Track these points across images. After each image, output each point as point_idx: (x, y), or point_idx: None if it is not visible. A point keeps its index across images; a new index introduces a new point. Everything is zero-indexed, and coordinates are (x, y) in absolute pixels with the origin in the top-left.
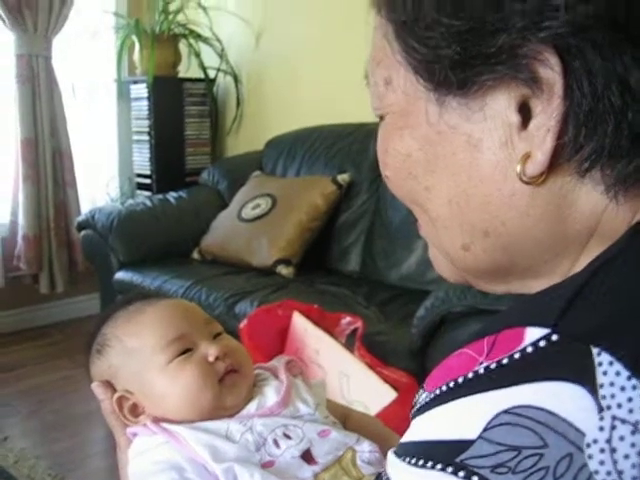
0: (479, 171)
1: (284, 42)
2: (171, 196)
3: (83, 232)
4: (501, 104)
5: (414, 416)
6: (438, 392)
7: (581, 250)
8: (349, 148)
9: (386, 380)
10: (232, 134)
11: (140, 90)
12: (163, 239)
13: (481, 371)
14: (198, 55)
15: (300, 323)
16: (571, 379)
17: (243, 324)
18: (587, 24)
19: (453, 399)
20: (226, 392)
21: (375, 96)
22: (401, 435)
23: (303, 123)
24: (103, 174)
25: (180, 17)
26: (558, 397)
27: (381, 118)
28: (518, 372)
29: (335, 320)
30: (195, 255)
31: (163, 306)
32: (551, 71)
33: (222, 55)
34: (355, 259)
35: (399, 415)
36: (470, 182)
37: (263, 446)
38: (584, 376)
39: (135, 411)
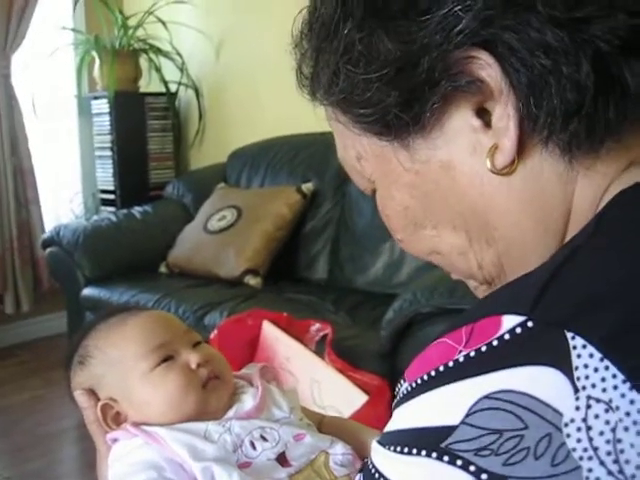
0: (460, 186)
1: (244, 54)
2: (136, 211)
3: (48, 249)
4: (458, 118)
5: (396, 406)
6: (419, 381)
7: (561, 239)
8: (311, 158)
9: (357, 384)
10: (195, 147)
11: (101, 106)
12: (130, 254)
13: (461, 359)
14: (159, 69)
15: (270, 332)
16: (548, 363)
17: (213, 335)
18: (487, 13)
19: (435, 387)
20: (208, 397)
21: (358, 177)
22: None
23: (265, 134)
24: (66, 191)
25: (140, 32)
26: (536, 381)
27: (373, 193)
28: (497, 358)
29: (304, 327)
30: (162, 269)
31: (144, 316)
32: (487, 65)
33: (183, 69)
34: (322, 267)
35: (371, 417)
36: (462, 202)
37: (240, 447)
38: (560, 360)
39: (117, 419)
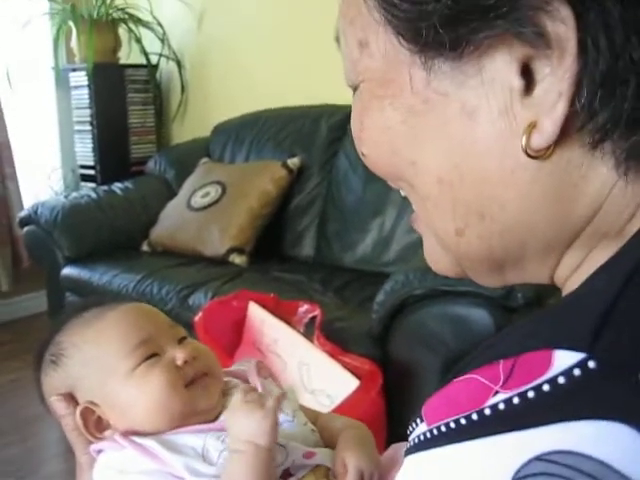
0: (474, 144)
1: (227, 24)
2: (117, 187)
3: (26, 228)
4: (501, 66)
5: (411, 452)
6: (444, 429)
7: (571, 242)
8: (298, 132)
9: (348, 368)
10: (177, 121)
11: (80, 78)
12: (110, 232)
13: (501, 406)
14: (139, 40)
15: (256, 313)
16: (617, 418)
17: (198, 317)
18: None
19: (467, 439)
20: (198, 395)
21: (348, 61)
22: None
23: (250, 107)
24: (45, 166)
25: (118, 1)
26: (602, 440)
27: (355, 89)
28: (550, 408)
29: (292, 308)
30: (145, 247)
31: (124, 310)
32: (562, 25)
33: (164, 40)
34: (309, 244)
35: (364, 402)
36: (464, 157)
37: None
38: (633, 414)
39: (100, 425)
